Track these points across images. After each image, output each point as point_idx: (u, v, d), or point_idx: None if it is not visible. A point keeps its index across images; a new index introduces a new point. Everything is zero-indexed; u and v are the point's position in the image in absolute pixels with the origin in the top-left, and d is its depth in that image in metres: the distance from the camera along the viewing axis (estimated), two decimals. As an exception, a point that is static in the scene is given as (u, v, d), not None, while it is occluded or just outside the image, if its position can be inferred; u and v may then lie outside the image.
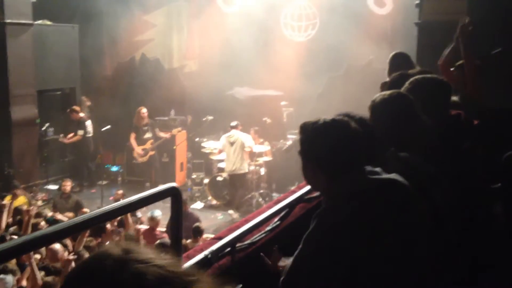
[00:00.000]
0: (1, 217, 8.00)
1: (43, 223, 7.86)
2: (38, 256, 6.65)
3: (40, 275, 6.05)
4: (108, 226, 7.68)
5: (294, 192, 3.90)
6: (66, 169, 13.68)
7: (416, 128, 2.76)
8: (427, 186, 2.46)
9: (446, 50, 4.90)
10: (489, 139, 3.91)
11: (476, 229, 2.94)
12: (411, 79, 3.23)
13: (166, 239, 7.67)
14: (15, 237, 6.48)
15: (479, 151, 3.33)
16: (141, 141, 12.91)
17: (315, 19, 14.34)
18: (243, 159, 11.32)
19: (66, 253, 6.73)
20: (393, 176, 2.21)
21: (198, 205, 12.05)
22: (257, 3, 13.90)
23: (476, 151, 3.29)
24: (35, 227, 7.47)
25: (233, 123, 11.60)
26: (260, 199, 11.47)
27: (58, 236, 2.07)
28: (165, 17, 15.58)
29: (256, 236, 3.18)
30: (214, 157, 12.40)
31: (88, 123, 13.22)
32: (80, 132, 12.94)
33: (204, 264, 2.64)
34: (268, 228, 3.31)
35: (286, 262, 2.73)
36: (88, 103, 14.21)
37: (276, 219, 3.40)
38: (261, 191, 11.83)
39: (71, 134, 13.05)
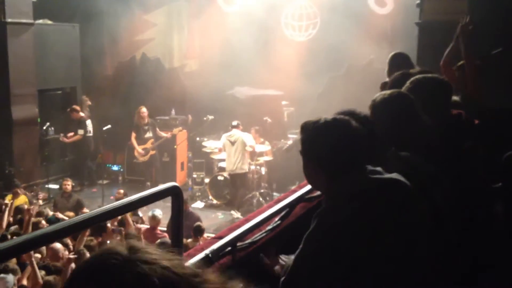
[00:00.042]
0: (2, 217, 8.00)
1: (43, 222, 7.86)
2: (38, 255, 6.66)
3: (40, 274, 6.06)
4: (109, 225, 7.69)
5: (294, 191, 3.90)
6: (66, 169, 13.69)
7: (416, 127, 2.76)
8: (428, 186, 2.46)
9: (446, 50, 4.90)
10: (489, 139, 3.91)
11: (476, 229, 2.94)
12: (412, 79, 3.23)
13: (167, 238, 7.68)
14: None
15: (480, 151, 3.33)
16: (141, 141, 12.92)
17: (315, 18, 14.34)
18: (243, 158, 11.33)
19: (66, 252, 6.74)
20: (394, 175, 2.21)
21: (198, 204, 12.06)
22: (257, 3, 13.90)
23: (477, 151, 3.29)
24: (36, 226, 7.47)
25: (234, 123, 11.61)
26: (261, 199, 11.47)
27: (58, 235, 2.07)
28: (165, 16, 15.58)
29: (256, 236, 3.18)
30: (214, 157, 12.41)
31: (89, 123, 13.23)
32: (81, 132, 12.94)
33: (204, 263, 2.64)
34: (269, 227, 3.31)
35: (286, 260, 2.73)
36: (89, 103, 14.21)
37: (276, 219, 3.40)
38: (262, 190, 11.83)
39: (71, 134, 13.05)
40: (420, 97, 2.89)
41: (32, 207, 8.14)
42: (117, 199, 9.01)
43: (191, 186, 12.89)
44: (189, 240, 8.05)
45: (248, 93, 13.97)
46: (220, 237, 2.99)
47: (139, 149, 12.89)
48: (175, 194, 2.49)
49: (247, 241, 3.09)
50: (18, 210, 8.52)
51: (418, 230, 2.15)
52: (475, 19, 4.81)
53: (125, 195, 9.59)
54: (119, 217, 8.09)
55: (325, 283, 2.04)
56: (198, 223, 8.63)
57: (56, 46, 13.32)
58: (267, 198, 11.51)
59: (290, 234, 3.03)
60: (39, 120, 12.81)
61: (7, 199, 9.45)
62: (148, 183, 12.66)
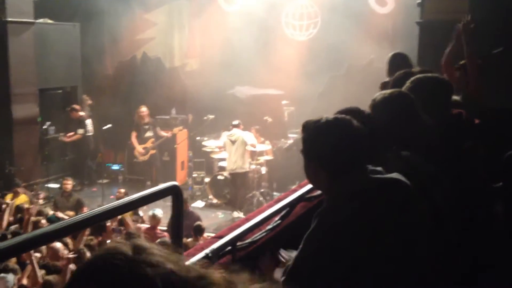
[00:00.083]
0: (2, 216, 8.01)
1: (43, 221, 7.87)
2: (38, 255, 6.66)
3: (40, 273, 6.06)
4: (109, 224, 7.69)
5: (295, 191, 3.89)
6: (67, 168, 13.69)
7: (416, 127, 2.76)
8: (428, 185, 2.45)
9: (447, 50, 4.91)
10: (490, 139, 3.91)
11: (476, 229, 2.94)
12: (412, 78, 3.23)
13: (166, 238, 7.68)
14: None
15: (480, 150, 3.33)
16: (142, 140, 12.92)
17: (316, 18, 14.33)
18: (244, 158, 11.32)
19: (66, 252, 6.73)
20: (395, 175, 2.21)
21: (198, 204, 12.06)
22: (258, 2, 13.89)
23: (477, 151, 3.29)
24: (36, 225, 7.48)
25: (235, 122, 11.60)
26: (261, 198, 11.47)
27: (58, 234, 2.07)
28: (166, 15, 15.57)
29: (256, 235, 3.18)
30: (215, 156, 12.42)
31: (88, 122, 13.23)
32: (80, 131, 12.94)
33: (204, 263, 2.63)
34: (269, 227, 3.31)
35: (286, 257, 2.72)
36: (89, 102, 14.21)
37: (276, 218, 3.40)
38: (262, 190, 11.83)
39: (71, 133, 13.06)
40: (420, 97, 2.89)
41: (32, 206, 8.14)
42: (118, 199, 9.01)
43: (191, 185, 12.89)
44: (189, 239, 8.05)
45: (248, 92, 13.97)
46: (220, 237, 2.99)
47: (139, 148, 12.89)
48: (175, 194, 2.49)
49: (247, 241, 3.09)
50: (19, 209, 8.52)
51: (418, 230, 2.15)
52: (476, 19, 4.81)
53: (126, 194, 9.59)
54: (119, 217, 8.08)
55: (326, 282, 2.04)
56: (198, 222, 8.63)
57: (56, 45, 13.32)
58: (267, 198, 11.51)
59: (290, 233, 3.03)
60: (39, 119, 12.81)
61: (7, 198, 9.45)
62: (148, 183, 12.66)
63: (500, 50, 5.76)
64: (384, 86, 4.41)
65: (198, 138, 13.59)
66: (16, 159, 12.06)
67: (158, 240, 7.68)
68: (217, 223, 10.90)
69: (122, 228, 7.99)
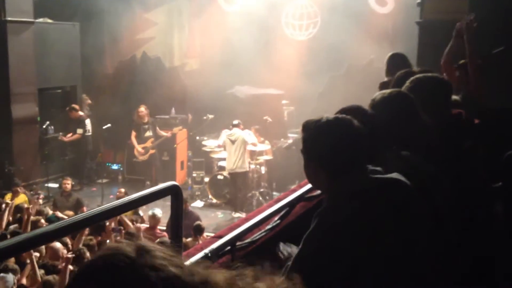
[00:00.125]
0: (2, 216, 8.01)
1: (43, 220, 7.86)
2: (37, 254, 6.66)
3: (39, 273, 6.06)
4: (108, 224, 7.68)
5: (294, 191, 3.89)
6: (66, 167, 13.69)
7: (416, 127, 2.75)
8: (428, 185, 2.45)
9: (446, 49, 4.90)
10: (490, 139, 3.91)
11: (476, 229, 2.93)
12: (412, 78, 3.23)
13: (166, 238, 7.67)
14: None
15: (480, 150, 3.33)
16: (141, 140, 12.92)
17: (316, 18, 14.33)
18: (244, 157, 11.32)
19: (65, 251, 6.73)
20: (395, 175, 2.21)
21: (198, 203, 12.06)
22: (258, 2, 13.90)
23: (477, 151, 3.29)
24: (35, 225, 7.47)
25: (235, 122, 11.60)
26: (261, 198, 11.47)
27: (58, 234, 2.07)
28: (166, 15, 15.57)
29: (256, 235, 3.18)
30: (214, 156, 12.42)
31: (88, 122, 13.21)
32: (80, 131, 12.94)
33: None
34: (268, 227, 3.31)
35: (284, 252, 2.71)
36: (89, 101, 14.22)
37: (276, 218, 3.40)
38: (262, 190, 11.83)
39: (70, 134, 13.05)
40: (420, 97, 2.88)
41: (31, 206, 8.13)
42: (118, 198, 9.00)
43: (191, 185, 12.90)
44: (189, 239, 8.05)
45: (248, 92, 13.97)
46: (220, 236, 2.98)
47: (139, 148, 12.89)
48: (175, 193, 2.48)
49: (246, 241, 3.09)
50: (18, 209, 8.52)
51: (418, 230, 2.15)
52: (476, 18, 4.80)
53: (126, 194, 9.58)
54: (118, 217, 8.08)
55: (325, 282, 2.03)
56: (198, 222, 8.63)
57: (56, 45, 13.31)
58: (267, 198, 11.52)
59: (290, 233, 3.02)
60: (39, 119, 12.80)
61: (7, 198, 9.44)
62: (148, 182, 12.66)
63: (500, 50, 5.75)
64: (383, 86, 4.41)
65: (197, 137, 13.60)
66: (15, 159, 12.06)
67: (158, 240, 7.67)
68: (217, 223, 10.91)
69: (121, 227, 7.99)
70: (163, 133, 12.98)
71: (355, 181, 2.11)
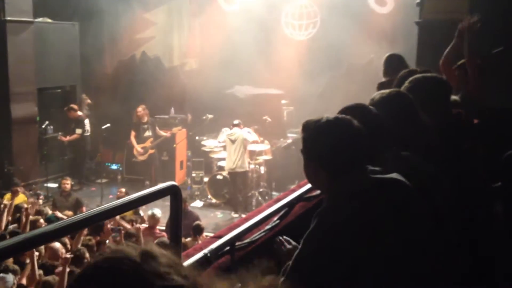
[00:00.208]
0: (1, 217, 8.00)
1: (42, 220, 7.86)
2: (36, 254, 6.65)
3: (38, 273, 6.06)
4: (106, 223, 7.68)
5: (294, 191, 3.89)
6: (65, 167, 13.68)
7: (415, 127, 2.75)
8: (428, 185, 2.45)
9: (447, 49, 4.90)
10: (489, 139, 3.91)
11: (476, 229, 2.93)
12: (411, 78, 3.22)
13: (165, 238, 7.67)
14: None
15: (480, 150, 3.32)
16: (141, 139, 12.92)
17: (315, 17, 14.33)
18: (244, 157, 11.32)
19: (63, 251, 6.73)
20: (395, 175, 2.20)
21: (197, 203, 12.06)
22: (258, 2, 13.90)
23: (477, 151, 3.29)
24: (34, 224, 7.47)
25: (235, 122, 11.60)
26: (260, 198, 11.47)
27: (58, 234, 2.06)
28: (165, 15, 15.57)
29: (255, 235, 3.18)
30: (214, 156, 12.42)
31: (86, 122, 13.20)
32: (78, 131, 12.92)
33: (203, 263, 2.63)
34: (268, 227, 3.30)
35: (288, 246, 2.70)
36: (88, 101, 14.21)
37: (275, 218, 3.40)
38: (261, 189, 11.83)
39: (68, 135, 13.04)
40: (419, 97, 2.88)
41: (30, 206, 8.13)
42: (119, 198, 9.00)
43: (190, 185, 12.89)
44: (188, 239, 8.04)
45: (248, 92, 13.97)
46: (219, 237, 2.98)
47: (138, 148, 12.88)
48: (174, 193, 2.48)
49: (246, 241, 3.09)
50: (18, 208, 8.51)
51: (418, 230, 2.14)
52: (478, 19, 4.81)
53: (127, 194, 9.57)
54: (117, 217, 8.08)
55: (325, 282, 2.03)
56: (197, 222, 8.63)
57: (56, 44, 13.31)
58: (266, 198, 11.52)
59: (290, 233, 3.02)
60: (38, 118, 12.80)
61: (6, 199, 9.43)
62: (147, 182, 12.65)
63: (499, 50, 5.75)
64: (381, 86, 4.41)
65: (197, 137, 13.59)
66: (14, 159, 12.06)
67: (157, 240, 7.67)
68: (216, 222, 10.90)
69: (121, 227, 7.98)
70: (162, 133, 12.98)
71: (355, 181, 2.11)
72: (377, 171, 2.19)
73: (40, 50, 12.72)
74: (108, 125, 12.92)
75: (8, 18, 11.85)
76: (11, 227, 7.86)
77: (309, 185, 3.45)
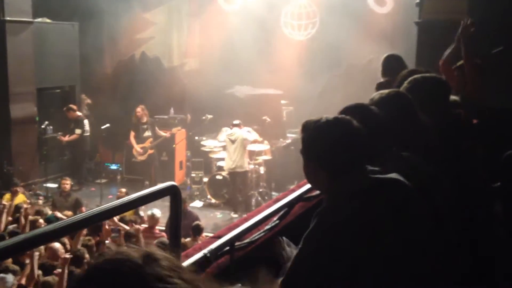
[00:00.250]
0: (1, 217, 7.99)
1: (41, 220, 7.85)
2: (37, 253, 6.64)
3: (37, 273, 6.06)
4: (107, 224, 7.68)
5: (293, 191, 3.89)
6: (65, 167, 13.67)
7: (415, 127, 2.75)
8: (428, 185, 2.45)
9: (447, 50, 4.90)
10: (489, 139, 3.91)
11: (476, 229, 2.93)
12: (410, 78, 3.22)
13: (164, 238, 7.67)
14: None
15: (479, 150, 3.33)
16: (140, 140, 12.92)
17: (315, 17, 14.33)
18: (244, 157, 11.32)
19: (63, 251, 6.72)
20: (394, 175, 2.20)
21: (197, 203, 12.05)
22: (257, 2, 13.90)
23: (476, 151, 3.29)
24: (34, 224, 7.47)
25: (236, 122, 11.60)
26: (259, 198, 11.47)
27: (57, 234, 2.06)
28: (165, 15, 15.57)
29: (255, 235, 3.17)
30: (213, 156, 12.41)
31: (86, 122, 13.19)
32: (78, 131, 12.90)
33: (202, 263, 2.63)
34: (267, 227, 3.30)
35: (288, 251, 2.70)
36: (88, 101, 14.20)
37: (275, 218, 3.40)
38: (261, 190, 11.83)
39: (67, 135, 13.03)
40: (418, 97, 2.88)
41: (29, 206, 8.13)
42: (119, 198, 8.97)
43: (190, 185, 12.89)
44: (188, 239, 8.04)
45: (247, 92, 13.97)
46: (219, 237, 2.98)
47: (137, 148, 12.88)
48: (173, 194, 2.48)
49: (245, 241, 3.08)
50: (18, 208, 8.51)
51: (418, 230, 2.14)
52: (475, 18, 4.81)
53: (127, 194, 9.56)
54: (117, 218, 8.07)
55: (325, 282, 2.03)
56: (197, 222, 8.62)
57: (55, 44, 13.31)
58: (266, 198, 11.51)
59: (289, 233, 3.02)
60: (37, 118, 12.79)
61: (5, 199, 9.42)
62: (147, 182, 12.65)
63: (499, 50, 5.75)
64: (379, 86, 4.42)
65: (196, 138, 13.59)
66: (14, 159, 12.05)
67: (156, 240, 7.67)
68: (216, 223, 10.90)
69: (120, 228, 7.98)
70: (162, 133, 12.97)
71: (354, 181, 2.11)
72: (377, 171, 2.19)
73: (40, 50, 12.71)
74: (108, 125, 12.91)
75: (8, 18, 11.85)
76: (10, 227, 7.85)
77: (308, 185, 3.44)
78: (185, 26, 15.71)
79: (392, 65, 4.84)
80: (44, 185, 12.40)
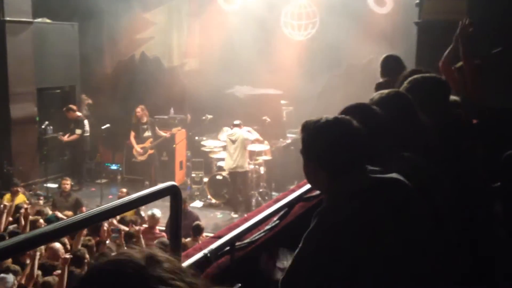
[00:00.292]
0: (1, 218, 7.99)
1: (41, 220, 7.85)
2: (37, 253, 6.65)
3: (37, 273, 6.06)
4: (106, 225, 7.68)
5: (293, 191, 3.89)
6: (65, 167, 13.67)
7: (415, 127, 2.75)
8: (428, 185, 2.45)
9: (447, 50, 4.91)
10: (489, 139, 3.91)
11: (476, 229, 2.93)
12: (410, 79, 3.22)
13: (164, 238, 7.67)
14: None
15: (479, 150, 3.33)
16: (140, 140, 12.92)
17: (315, 17, 14.33)
18: (244, 157, 11.32)
19: (63, 251, 6.73)
20: (395, 175, 2.21)
21: (197, 203, 12.05)
22: (257, 2, 13.90)
23: (476, 151, 3.29)
24: (34, 224, 7.47)
25: (236, 122, 11.60)
26: (260, 198, 11.47)
27: (58, 234, 2.06)
28: (165, 15, 15.57)
29: (255, 235, 3.17)
30: (213, 156, 12.42)
31: (86, 122, 13.19)
32: (78, 131, 12.90)
33: (203, 263, 2.63)
34: (268, 227, 3.30)
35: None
36: (88, 101, 14.20)
37: (275, 218, 3.39)
38: (261, 190, 11.83)
39: (67, 135, 13.03)
40: (418, 97, 2.88)
41: (29, 206, 8.12)
42: (120, 198, 8.96)
43: (190, 185, 12.89)
44: (188, 239, 8.04)
45: (247, 92, 13.97)
46: (219, 237, 2.98)
47: (137, 148, 12.88)
48: (174, 194, 2.47)
49: (246, 241, 3.08)
50: (19, 208, 8.51)
51: (418, 230, 2.15)
52: (474, 19, 4.81)
53: (128, 194, 9.56)
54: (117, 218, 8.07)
55: (325, 282, 2.03)
56: (197, 222, 8.63)
57: (55, 44, 13.31)
58: (266, 198, 11.51)
59: (289, 233, 3.02)
60: (37, 118, 12.80)
61: (5, 199, 9.43)
62: (147, 182, 12.65)
63: (498, 50, 5.76)
64: (379, 87, 4.42)
65: (196, 138, 13.59)
66: (14, 159, 12.06)
67: (156, 240, 7.68)
68: (216, 223, 10.90)
69: (120, 228, 7.98)
70: (162, 133, 12.97)
71: (354, 181, 2.11)
72: (377, 171, 2.19)
73: (40, 51, 12.71)
74: (108, 125, 12.91)
75: (8, 18, 11.85)
76: (11, 227, 7.85)
77: (308, 185, 3.44)
78: (185, 26, 15.71)
79: (391, 65, 4.85)
80: (44, 185, 12.40)
